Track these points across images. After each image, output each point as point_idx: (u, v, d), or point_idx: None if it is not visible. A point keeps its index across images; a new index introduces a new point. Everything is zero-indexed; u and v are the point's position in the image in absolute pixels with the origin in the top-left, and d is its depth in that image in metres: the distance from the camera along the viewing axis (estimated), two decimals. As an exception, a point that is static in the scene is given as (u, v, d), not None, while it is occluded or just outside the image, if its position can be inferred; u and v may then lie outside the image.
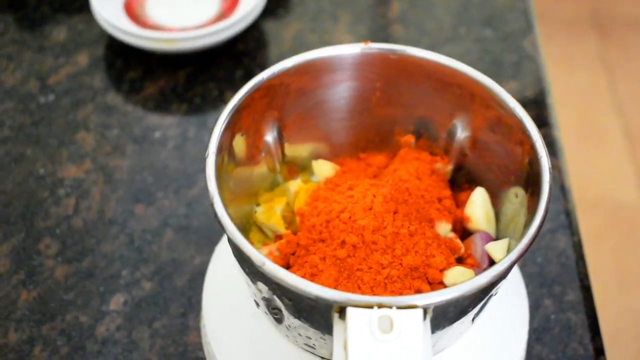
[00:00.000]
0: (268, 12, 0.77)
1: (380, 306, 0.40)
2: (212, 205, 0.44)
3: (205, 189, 0.63)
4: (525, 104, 0.69)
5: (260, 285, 0.45)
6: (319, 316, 0.43)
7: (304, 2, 0.79)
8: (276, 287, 0.43)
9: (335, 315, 0.41)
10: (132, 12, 0.74)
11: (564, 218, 0.62)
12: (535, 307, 0.57)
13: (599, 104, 1.83)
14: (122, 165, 0.66)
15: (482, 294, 0.44)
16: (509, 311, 0.54)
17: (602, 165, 1.70)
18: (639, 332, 1.42)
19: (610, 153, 1.73)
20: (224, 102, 0.70)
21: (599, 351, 0.55)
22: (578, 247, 0.61)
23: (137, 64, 0.73)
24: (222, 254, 0.58)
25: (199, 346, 0.56)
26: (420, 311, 0.40)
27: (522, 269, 0.59)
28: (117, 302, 0.58)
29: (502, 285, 0.48)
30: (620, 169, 1.69)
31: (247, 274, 0.46)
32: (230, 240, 0.44)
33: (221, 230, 0.59)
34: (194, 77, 0.72)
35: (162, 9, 0.75)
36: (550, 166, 0.46)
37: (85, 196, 0.64)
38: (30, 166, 0.66)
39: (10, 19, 0.77)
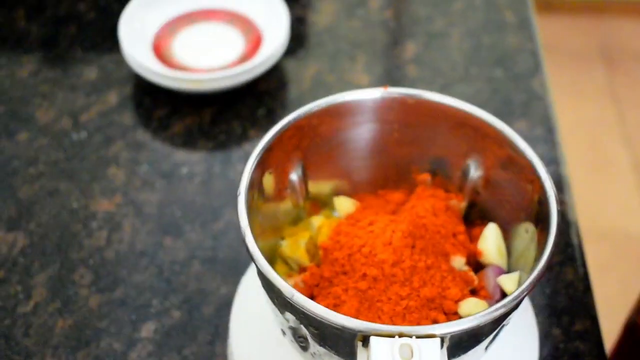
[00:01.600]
0: (288, 52, 0.80)
1: (401, 335, 0.43)
2: (244, 240, 0.47)
3: (230, 222, 0.67)
4: (534, 141, 0.72)
5: (288, 315, 0.48)
6: (343, 344, 0.46)
7: (322, 43, 0.83)
8: (303, 317, 0.46)
9: (359, 344, 0.44)
10: (160, 53, 0.78)
11: (571, 251, 0.65)
12: (544, 336, 0.60)
13: (608, 135, 1.85)
14: (152, 200, 0.69)
15: (496, 324, 0.47)
16: (520, 340, 0.57)
17: (610, 196, 1.72)
18: (647, 361, 1.44)
19: (619, 184, 1.75)
20: (248, 139, 0.74)
21: (606, 379, 0.58)
22: (585, 278, 0.64)
23: (164, 103, 0.77)
24: (248, 284, 0.61)
25: (226, 372, 0.59)
26: (438, 340, 0.43)
27: (532, 300, 0.62)
28: (148, 329, 0.61)
29: (514, 316, 0.51)
30: (628, 200, 1.72)
31: (276, 304, 0.49)
32: (260, 273, 0.47)
33: (249, 262, 0.63)
34: (219, 116, 0.76)
35: (189, 51, 0.79)
36: (558, 204, 0.49)
37: (117, 229, 0.67)
38: (64, 200, 0.69)
39: (43, 59, 0.81)
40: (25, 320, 0.62)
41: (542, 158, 0.70)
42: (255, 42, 0.79)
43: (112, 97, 0.77)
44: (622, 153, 1.81)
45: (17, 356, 0.59)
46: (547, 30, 2.08)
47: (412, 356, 0.42)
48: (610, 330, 1.45)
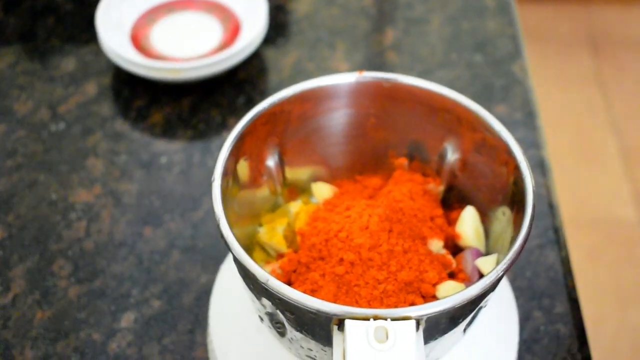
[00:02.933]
0: (268, 40, 0.80)
1: (375, 318, 0.43)
2: (218, 226, 0.47)
3: (210, 211, 0.67)
4: (514, 125, 0.72)
5: (265, 300, 0.48)
6: (320, 329, 0.46)
7: (302, 31, 0.82)
8: (279, 302, 0.46)
9: (335, 328, 0.44)
10: (138, 43, 0.77)
11: (552, 234, 0.65)
12: (525, 319, 0.60)
13: (595, 122, 1.85)
14: (131, 190, 0.69)
15: (472, 306, 0.47)
16: (500, 323, 0.57)
17: (598, 183, 1.73)
18: (635, 346, 1.44)
19: (607, 171, 1.75)
20: (227, 128, 0.73)
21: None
22: (566, 261, 0.64)
23: (143, 93, 0.76)
24: (226, 272, 0.61)
25: (206, 361, 0.59)
26: (413, 322, 0.43)
27: (512, 283, 0.62)
28: (127, 319, 0.61)
29: (492, 298, 0.51)
30: (616, 186, 1.72)
31: (252, 290, 0.49)
32: (236, 260, 0.47)
33: (227, 250, 0.62)
34: (198, 105, 0.75)
35: (167, 40, 0.78)
36: (534, 185, 0.49)
37: (96, 219, 0.67)
38: (43, 191, 0.69)
39: (21, 51, 0.80)
40: (4, 312, 0.61)
41: (522, 142, 0.70)
42: (233, 31, 0.78)
43: (91, 88, 0.77)
44: (610, 140, 1.81)
45: (-4, 348, 0.59)
46: (534, 18, 2.08)
47: (387, 338, 0.42)
48: (601, 317, 1.46)
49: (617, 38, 2.05)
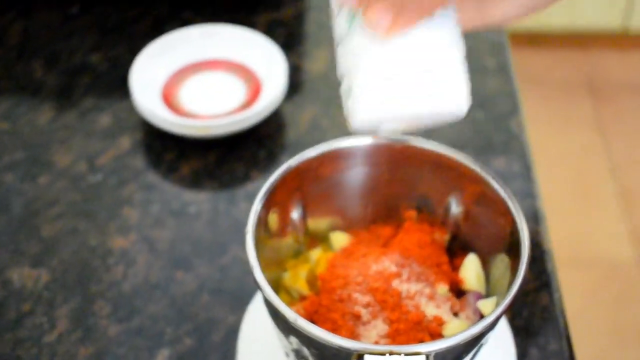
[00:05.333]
0: (286, 98, 0.87)
1: (391, 353, 0.49)
2: (252, 273, 0.54)
3: (235, 256, 0.73)
4: (512, 177, 0.79)
5: (292, 338, 0.54)
6: (341, 363, 0.52)
7: (317, 90, 0.90)
8: (305, 339, 0.53)
9: (355, 362, 0.51)
10: (169, 101, 0.85)
11: (545, 277, 0.72)
12: (522, 356, 0.66)
13: (594, 164, 1.90)
14: (163, 237, 0.76)
15: (474, 342, 0.54)
16: (499, 359, 0.64)
17: (597, 225, 1.78)
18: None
19: (605, 213, 1.80)
20: (250, 180, 0.80)
21: (579, 393, 0.65)
22: (559, 302, 0.70)
23: (172, 147, 0.83)
24: (253, 313, 0.68)
25: (235, 393, 0.66)
26: (423, 357, 0.50)
27: (511, 323, 0.68)
28: (162, 356, 0.67)
29: (492, 336, 0.58)
30: (614, 228, 1.77)
31: (280, 329, 0.55)
32: (266, 301, 0.54)
33: (253, 292, 0.69)
34: (223, 158, 0.82)
35: (195, 98, 0.86)
36: (529, 235, 0.56)
37: (132, 264, 0.74)
38: (83, 238, 0.76)
39: (60, 107, 0.88)
40: (51, 349, 0.68)
41: (519, 192, 0.77)
42: (255, 90, 0.86)
43: (125, 142, 0.84)
44: (608, 182, 1.86)
45: (45, 381, 0.65)
46: (535, 64, 2.14)
47: (401, 371, 0.49)
48: (597, 354, 1.51)
49: (615, 83, 2.11)
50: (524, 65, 2.11)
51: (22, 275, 0.73)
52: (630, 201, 1.81)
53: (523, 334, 0.68)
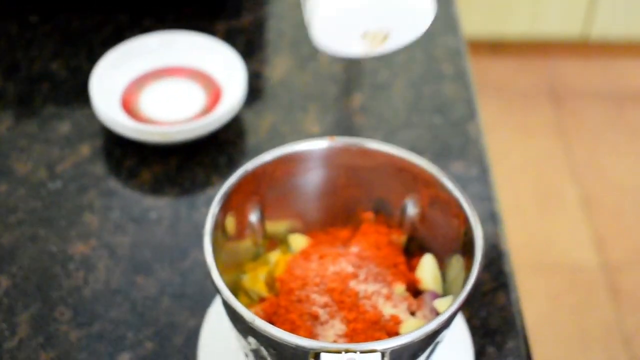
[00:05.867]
0: (246, 104, 0.88)
1: (347, 351, 0.50)
2: (210, 274, 0.54)
3: (196, 260, 0.74)
4: (469, 181, 0.81)
5: (250, 338, 0.55)
6: (299, 362, 0.53)
7: (277, 96, 0.91)
8: (263, 339, 0.53)
9: (312, 360, 0.51)
10: (129, 108, 0.85)
11: (503, 278, 0.73)
12: (479, 354, 0.67)
13: (556, 170, 1.93)
14: (124, 242, 0.76)
15: (430, 340, 0.55)
16: (457, 357, 0.65)
17: (559, 229, 1.80)
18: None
19: (567, 217, 1.82)
20: (211, 185, 0.81)
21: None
22: (516, 302, 0.71)
23: (133, 154, 0.84)
24: (212, 316, 0.68)
25: (196, 396, 0.66)
26: (378, 355, 0.51)
27: (469, 322, 0.69)
28: (123, 360, 0.68)
29: (449, 335, 0.59)
30: (577, 232, 1.79)
31: (239, 330, 0.56)
32: (225, 303, 0.54)
33: (213, 296, 0.70)
34: (183, 164, 0.83)
35: (155, 105, 0.86)
36: (482, 235, 0.57)
37: (93, 270, 0.74)
38: (43, 245, 0.76)
39: (19, 115, 0.88)
40: (11, 355, 0.68)
41: (476, 196, 0.78)
42: (215, 96, 0.86)
43: (85, 149, 0.84)
44: (570, 187, 1.89)
45: (5, 387, 0.65)
46: (496, 71, 2.17)
47: (357, 369, 0.50)
48: (560, 359, 1.53)
49: (576, 90, 2.14)
50: (485, 73, 2.14)
51: (-19, 283, 0.73)
52: (592, 207, 1.83)
53: (480, 332, 0.69)
